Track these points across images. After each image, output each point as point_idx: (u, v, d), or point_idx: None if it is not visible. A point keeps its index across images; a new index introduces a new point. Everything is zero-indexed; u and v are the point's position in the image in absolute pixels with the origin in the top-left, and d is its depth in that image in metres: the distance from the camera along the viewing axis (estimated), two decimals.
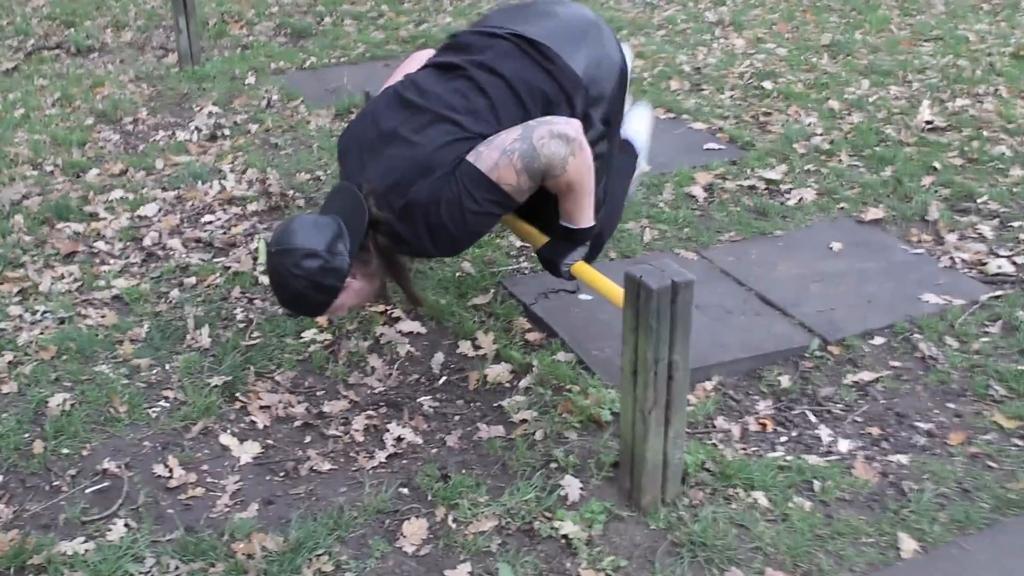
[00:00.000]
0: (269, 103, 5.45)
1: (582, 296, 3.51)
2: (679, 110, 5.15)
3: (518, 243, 3.90)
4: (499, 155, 2.55)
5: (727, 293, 3.54)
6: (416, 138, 2.62)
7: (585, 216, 2.73)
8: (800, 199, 4.18)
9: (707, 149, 4.70)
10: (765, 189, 4.30)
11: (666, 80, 5.60)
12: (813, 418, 2.94)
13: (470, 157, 2.58)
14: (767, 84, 5.45)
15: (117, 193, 4.38)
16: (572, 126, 2.58)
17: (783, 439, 2.85)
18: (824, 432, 2.86)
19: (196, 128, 5.12)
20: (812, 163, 4.49)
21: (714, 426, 2.90)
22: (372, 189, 2.64)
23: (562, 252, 2.80)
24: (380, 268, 2.75)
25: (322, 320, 3.38)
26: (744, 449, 2.80)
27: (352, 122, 2.87)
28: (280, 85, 5.71)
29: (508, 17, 2.88)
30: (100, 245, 3.96)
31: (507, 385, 3.10)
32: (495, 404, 3.02)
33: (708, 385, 3.07)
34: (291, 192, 4.35)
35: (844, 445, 2.81)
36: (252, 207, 4.26)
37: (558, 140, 2.54)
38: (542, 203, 2.79)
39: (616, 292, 2.54)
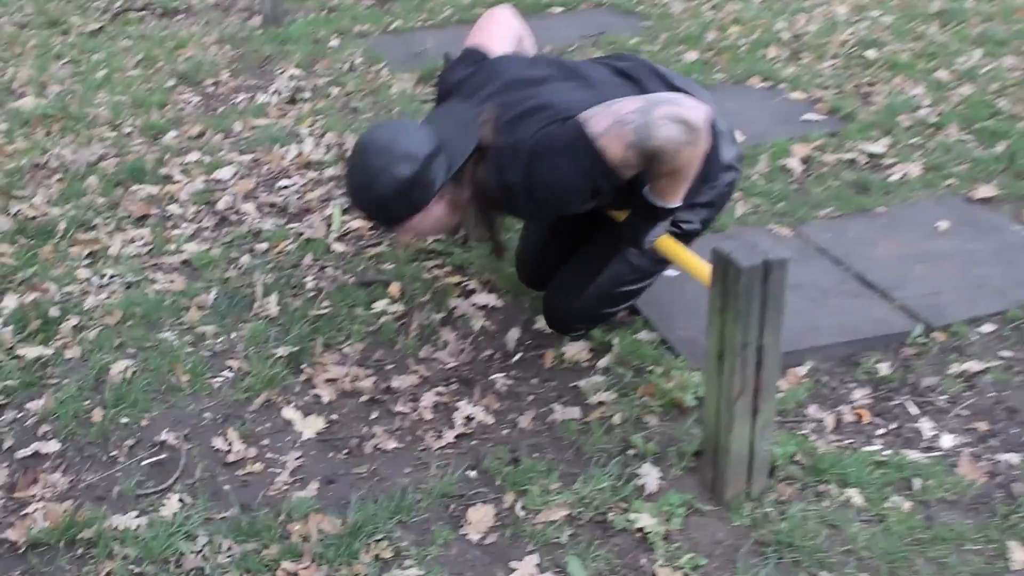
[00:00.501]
0: (352, 67, 5.33)
1: (667, 272, 3.32)
2: (776, 79, 4.90)
3: None
4: (611, 123, 2.34)
5: (823, 272, 3.32)
6: (566, 87, 2.53)
7: (677, 197, 2.53)
8: (904, 174, 3.91)
9: (805, 120, 4.44)
10: (867, 163, 4.04)
11: (763, 48, 5.33)
12: (914, 410, 2.71)
13: (582, 115, 2.38)
14: (871, 53, 5.16)
15: (193, 156, 4.30)
16: (700, 112, 2.34)
17: (880, 432, 2.64)
18: (926, 426, 2.64)
19: (276, 91, 5.03)
20: (918, 137, 4.21)
21: (806, 415, 2.70)
22: (491, 117, 2.49)
23: (644, 228, 2.59)
24: (468, 203, 2.55)
25: (394, 289, 3.25)
26: (838, 441, 2.59)
27: (470, 69, 2.72)
28: (364, 48, 5.58)
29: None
30: (173, 208, 3.88)
31: (585, 364, 2.93)
32: (571, 384, 2.85)
33: (800, 371, 2.86)
34: None
35: (948, 441, 2.58)
36: (329, 172, 4.15)
37: (679, 125, 2.31)
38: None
39: (703, 269, 2.34)
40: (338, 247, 3.58)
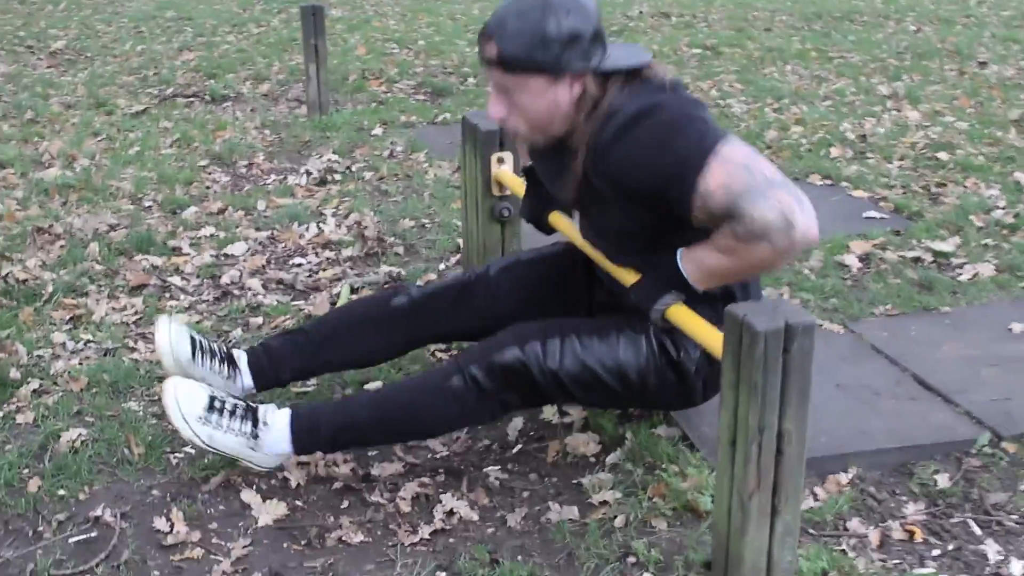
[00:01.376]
0: (392, 153, 5.11)
1: None
2: (838, 177, 4.55)
3: None
4: (741, 161, 2.01)
5: (876, 372, 2.91)
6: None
7: (710, 282, 2.16)
8: (975, 274, 3.51)
9: (867, 218, 4.08)
10: (932, 262, 3.65)
11: (826, 147, 5.01)
12: (978, 530, 2.27)
13: (728, 136, 2.07)
14: (942, 155, 4.80)
15: (207, 230, 4.06)
16: (809, 235, 1.99)
17: (936, 552, 2.20)
18: (991, 548, 2.20)
19: (307, 171, 4.81)
20: (991, 237, 3.82)
21: (846, 528, 2.27)
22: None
23: (657, 291, 2.22)
24: (578, 111, 2.20)
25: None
26: (883, 561, 2.16)
27: None
28: (407, 138, 5.37)
29: None
30: (174, 280, 3.62)
31: (591, 459, 2.55)
32: (574, 481, 2.47)
33: (843, 478, 2.44)
34: (390, 239, 3.94)
35: (1018, 567, 2.14)
36: (346, 252, 3.87)
37: (784, 220, 1.95)
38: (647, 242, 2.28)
39: (717, 339, 1.97)
40: None
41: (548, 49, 2.11)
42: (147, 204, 4.38)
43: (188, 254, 3.85)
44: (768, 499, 1.87)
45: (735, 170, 2.00)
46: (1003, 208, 4.10)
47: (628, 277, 2.33)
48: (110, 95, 6.29)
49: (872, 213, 4.12)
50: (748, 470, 1.84)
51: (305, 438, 2.42)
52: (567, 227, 2.65)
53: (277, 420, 2.42)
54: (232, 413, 2.40)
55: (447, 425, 2.47)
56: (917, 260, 3.66)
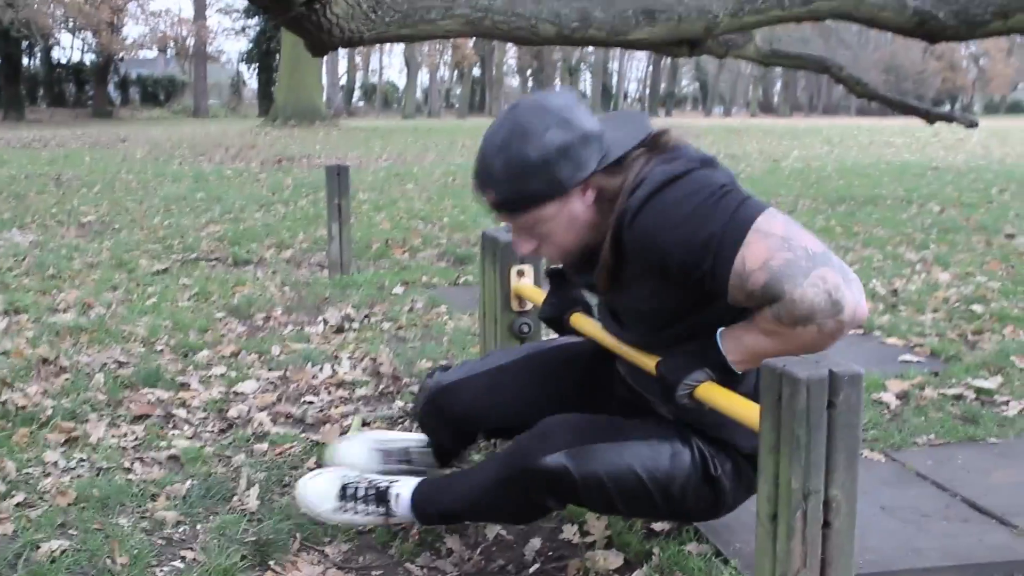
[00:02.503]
0: (411, 309, 5.03)
1: None
2: (870, 327, 4.41)
3: None
4: (781, 234, 1.86)
5: (924, 496, 2.70)
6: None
7: (748, 362, 1.98)
8: (1022, 410, 3.32)
9: (903, 361, 3.92)
10: (975, 399, 3.46)
11: None
12: None
13: (767, 206, 1.93)
14: (977, 307, 4.66)
15: (219, 369, 3.93)
16: (858, 315, 1.85)
17: None
18: None
19: (323, 320, 4.71)
20: None
21: None
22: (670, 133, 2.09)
23: (688, 366, 2.04)
24: (610, 204, 2.05)
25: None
26: None
27: None
28: (428, 296, 5.30)
29: None
30: (179, 412, 3.47)
31: None
32: None
33: None
34: (405, 378, 3.80)
35: None
36: (360, 391, 3.72)
37: (830, 300, 1.81)
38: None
39: (754, 410, 1.79)
40: None
41: (539, 176, 1.98)
42: (159, 348, 4.28)
43: (196, 390, 3.71)
44: None
45: (775, 244, 1.84)
46: None
47: (648, 361, 2.17)
48: (133, 257, 6.30)
49: (908, 357, 3.96)
50: (792, 546, 1.64)
51: (424, 515, 2.43)
52: (589, 327, 2.50)
53: (402, 499, 2.43)
54: (365, 498, 2.46)
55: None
56: (959, 397, 3.47)
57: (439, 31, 7.38)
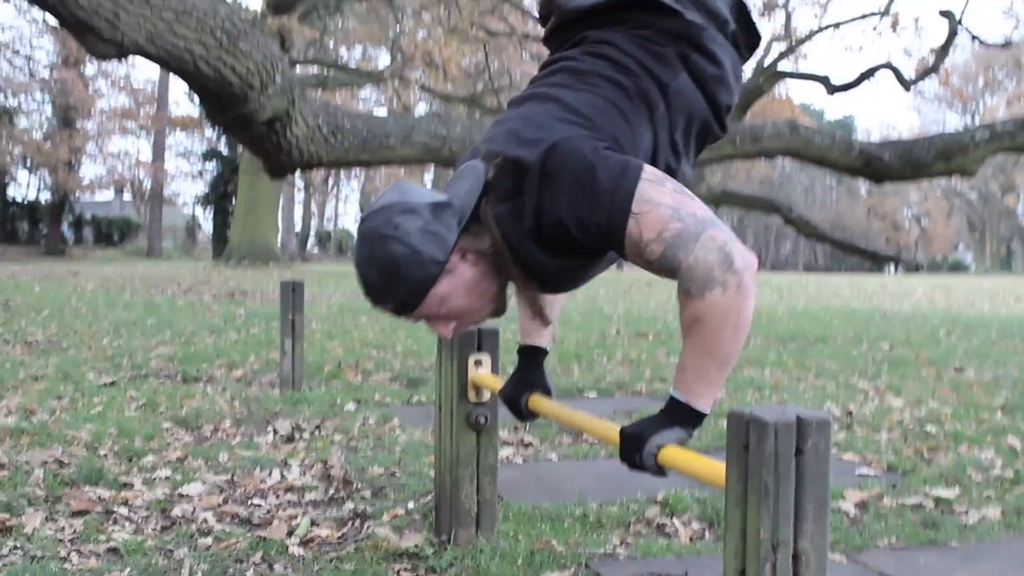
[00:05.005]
0: (363, 423, 4.94)
1: None
2: None
3: (614, 523, 3.11)
4: (667, 206, 1.90)
5: None
6: (558, 92, 2.10)
7: (702, 391, 1.95)
8: (983, 517, 3.29)
9: (860, 475, 3.89)
10: (935, 508, 3.43)
11: None
12: None
13: (645, 175, 1.95)
14: (931, 428, 4.67)
15: (163, 472, 3.81)
16: (749, 262, 1.91)
17: None
18: None
19: (273, 430, 4.61)
20: (993, 490, 3.62)
21: None
22: (491, 147, 2.07)
23: (655, 426, 2.00)
24: (495, 254, 2.06)
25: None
26: None
27: None
28: (381, 413, 5.22)
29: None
30: (120, 510, 3.34)
31: None
32: None
33: None
34: (357, 483, 3.70)
35: None
36: (310, 496, 3.61)
37: (723, 255, 1.87)
38: None
39: (719, 470, 1.76)
40: (297, 551, 2.98)
41: (414, 266, 1.99)
42: (103, 453, 4.15)
43: (139, 490, 3.58)
44: None
45: (666, 215, 1.90)
46: (1000, 467, 3.92)
47: (614, 434, 2.13)
48: (80, 372, 6.17)
49: (865, 471, 3.94)
50: None
51: None
52: (548, 407, 2.46)
53: None
54: None
55: None
56: (918, 506, 3.44)
57: (397, 157, 7.51)
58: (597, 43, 2.20)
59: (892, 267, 59.69)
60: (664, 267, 1.91)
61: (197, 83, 6.07)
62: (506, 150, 2.04)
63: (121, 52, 5.77)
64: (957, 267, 68.90)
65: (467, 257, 2.05)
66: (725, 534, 1.65)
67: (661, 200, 1.92)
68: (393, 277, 2.00)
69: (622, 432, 2.04)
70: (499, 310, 2.20)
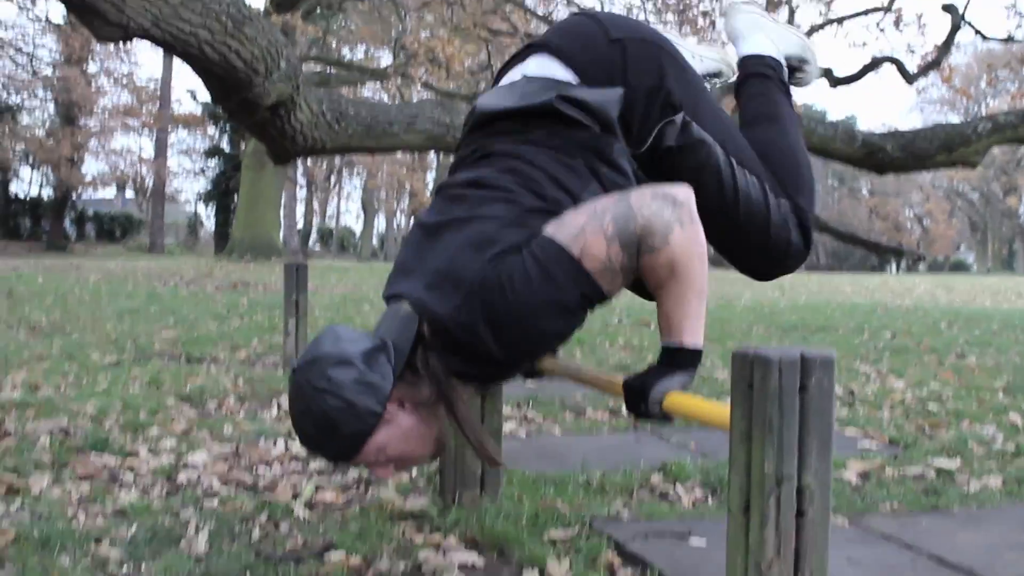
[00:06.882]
0: None
1: (695, 540, 2.69)
2: None
3: (618, 489, 3.13)
4: (587, 219, 1.93)
5: (890, 553, 2.66)
6: (476, 213, 2.05)
7: (691, 328, 2.01)
8: (984, 486, 3.31)
9: (862, 448, 3.91)
10: (936, 478, 3.45)
11: None
12: None
13: (549, 229, 1.97)
14: (933, 406, 4.69)
15: (168, 442, 3.83)
16: (682, 189, 1.96)
17: None
18: None
19: (278, 404, 4.63)
20: (994, 461, 3.64)
21: None
22: (416, 291, 2.04)
23: (656, 376, 2.04)
24: (435, 403, 2.07)
25: (355, 561, 2.63)
26: None
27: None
28: None
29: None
30: (127, 476, 3.36)
31: None
32: None
33: None
34: None
35: None
36: (315, 464, 3.63)
37: (661, 200, 1.92)
38: None
39: (723, 412, 1.78)
40: (302, 512, 3.00)
41: (350, 419, 1.98)
42: (107, 425, 4.17)
43: (145, 458, 3.60)
44: (790, 573, 1.61)
45: (590, 224, 1.93)
46: (1002, 441, 3.94)
47: (616, 383, 2.16)
48: (84, 353, 6.19)
49: (866, 444, 3.96)
50: (765, 535, 1.60)
51: None
52: (553, 365, 2.49)
53: None
54: None
55: None
56: (920, 476, 3.46)
57: (400, 144, 7.51)
58: (507, 157, 2.16)
59: (894, 266, 59.66)
60: (634, 253, 1.93)
61: (202, 67, 6.07)
62: (436, 310, 2.00)
63: (126, 35, 5.77)
64: (959, 267, 68.89)
65: (404, 406, 2.04)
66: (730, 472, 1.67)
67: (578, 226, 1.94)
68: (328, 430, 1.98)
69: (625, 384, 2.08)
70: (440, 451, 2.19)
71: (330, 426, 1.97)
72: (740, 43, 2.66)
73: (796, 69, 2.68)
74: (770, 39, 2.62)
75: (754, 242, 2.32)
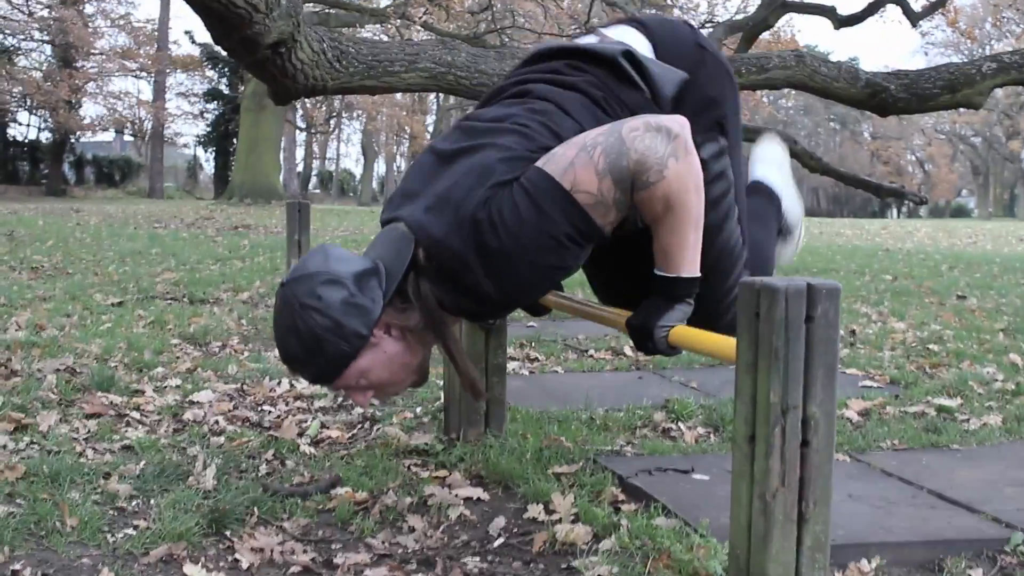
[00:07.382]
0: None
1: (697, 476, 2.72)
2: None
3: (621, 427, 3.16)
4: (576, 152, 1.92)
5: (890, 488, 2.68)
6: (487, 141, 2.04)
7: (688, 258, 2.02)
8: (984, 424, 3.33)
9: (863, 386, 3.93)
10: (937, 415, 3.47)
11: None
12: None
13: (540, 161, 1.96)
14: (934, 346, 4.71)
15: (174, 381, 3.86)
16: (677, 121, 1.95)
17: None
18: None
19: None
20: (994, 400, 3.66)
21: None
22: (415, 213, 2.04)
23: (657, 312, 2.05)
24: (422, 329, 2.07)
25: (359, 495, 2.65)
26: None
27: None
28: None
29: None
30: (133, 414, 3.38)
31: (583, 547, 2.27)
32: (563, 566, 2.19)
33: (866, 566, 2.17)
34: None
35: None
36: (319, 403, 3.66)
37: (655, 133, 1.90)
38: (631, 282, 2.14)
39: (729, 343, 1.79)
40: (308, 449, 3.02)
41: (336, 339, 1.97)
42: (113, 364, 4.18)
43: (151, 397, 3.62)
44: (794, 501, 1.63)
45: (580, 157, 1.91)
46: (1002, 380, 3.96)
47: (620, 318, 2.17)
48: (88, 294, 6.20)
49: (868, 383, 3.97)
50: (770, 464, 1.62)
51: None
52: (556, 300, 2.50)
53: None
54: None
55: None
56: (921, 414, 3.48)
57: (402, 84, 7.45)
58: (541, 99, 2.14)
59: (895, 211, 59.48)
60: (627, 188, 1.91)
61: (202, 5, 6.01)
62: (433, 231, 1.98)
63: None
64: (960, 212, 68.75)
65: (391, 332, 2.04)
66: (735, 401, 1.68)
67: (568, 159, 1.92)
68: (313, 349, 1.98)
69: (628, 324, 2.09)
70: (421, 381, 2.20)
71: (315, 345, 1.97)
72: (772, 170, 2.75)
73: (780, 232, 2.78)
74: (793, 194, 2.76)
75: (706, 284, 2.26)
